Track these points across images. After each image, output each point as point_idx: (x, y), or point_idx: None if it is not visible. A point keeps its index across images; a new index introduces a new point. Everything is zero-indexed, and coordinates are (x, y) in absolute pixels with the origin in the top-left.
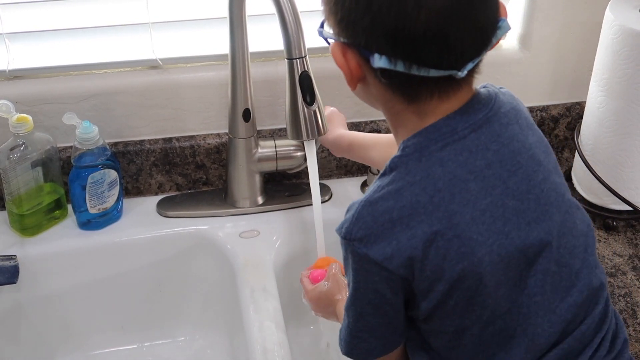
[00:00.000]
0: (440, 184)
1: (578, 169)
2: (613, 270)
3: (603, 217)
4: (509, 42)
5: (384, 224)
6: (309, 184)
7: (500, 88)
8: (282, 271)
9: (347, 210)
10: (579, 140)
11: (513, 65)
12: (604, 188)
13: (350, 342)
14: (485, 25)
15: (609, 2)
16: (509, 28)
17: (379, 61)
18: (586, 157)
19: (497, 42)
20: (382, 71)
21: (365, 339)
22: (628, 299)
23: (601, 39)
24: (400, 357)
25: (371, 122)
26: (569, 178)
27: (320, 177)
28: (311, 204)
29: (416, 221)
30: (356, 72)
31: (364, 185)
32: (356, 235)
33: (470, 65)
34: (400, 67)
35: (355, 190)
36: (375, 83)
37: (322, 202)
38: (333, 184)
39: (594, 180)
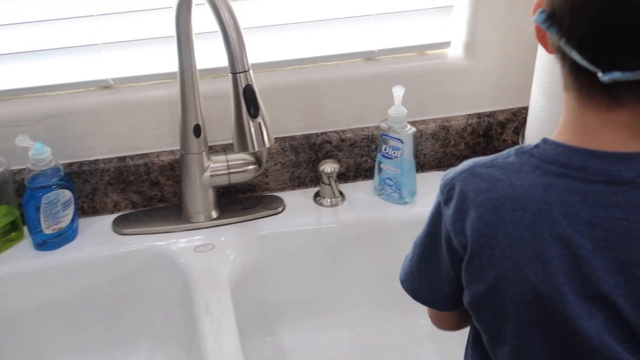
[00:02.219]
0: (529, 205)
1: None
2: None
3: None
4: (454, 50)
5: (465, 201)
6: (262, 196)
7: None
8: (237, 284)
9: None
10: (523, 145)
11: (459, 73)
12: None
13: (407, 274)
14: None
15: None
16: None
17: (538, 15)
18: None
19: None
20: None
21: (414, 280)
22: None
23: None
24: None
25: (322, 133)
26: None
27: (274, 189)
28: (266, 217)
29: (489, 219)
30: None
31: (316, 195)
32: (447, 194)
33: (617, 75)
34: (552, 33)
35: (308, 201)
36: None
37: (276, 214)
38: (286, 195)
39: None
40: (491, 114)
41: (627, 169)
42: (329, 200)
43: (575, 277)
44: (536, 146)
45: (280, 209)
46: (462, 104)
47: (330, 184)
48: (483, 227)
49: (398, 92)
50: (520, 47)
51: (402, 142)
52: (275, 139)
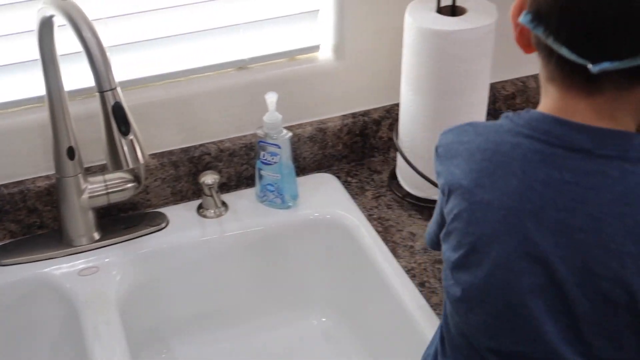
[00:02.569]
0: (496, 157)
1: (401, 166)
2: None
3: (429, 209)
4: (323, 53)
5: (450, 150)
6: (145, 213)
7: None
8: (126, 304)
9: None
10: (397, 140)
11: (330, 75)
12: (426, 181)
13: None
14: None
15: (408, 6)
16: None
17: (524, 17)
18: (406, 154)
19: None
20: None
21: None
22: None
23: (404, 41)
24: None
25: (200, 145)
26: (394, 176)
27: (156, 205)
28: (150, 233)
29: (462, 167)
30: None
31: (199, 208)
32: (440, 142)
33: (606, 65)
34: (539, 32)
35: (191, 214)
36: None
37: (160, 230)
38: (169, 210)
39: (415, 175)
40: (365, 113)
41: (585, 139)
42: (212, 211)
43: (519, 230)
44: (517, 113)
45: (163, 225)
46: (336, 106)
47: (212, 195)
48: (456, 173)
49: (271, 98)
50: (388, 46)
51: (279, 147)
52: (153, 154)
